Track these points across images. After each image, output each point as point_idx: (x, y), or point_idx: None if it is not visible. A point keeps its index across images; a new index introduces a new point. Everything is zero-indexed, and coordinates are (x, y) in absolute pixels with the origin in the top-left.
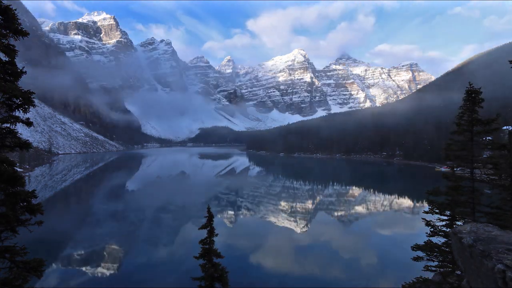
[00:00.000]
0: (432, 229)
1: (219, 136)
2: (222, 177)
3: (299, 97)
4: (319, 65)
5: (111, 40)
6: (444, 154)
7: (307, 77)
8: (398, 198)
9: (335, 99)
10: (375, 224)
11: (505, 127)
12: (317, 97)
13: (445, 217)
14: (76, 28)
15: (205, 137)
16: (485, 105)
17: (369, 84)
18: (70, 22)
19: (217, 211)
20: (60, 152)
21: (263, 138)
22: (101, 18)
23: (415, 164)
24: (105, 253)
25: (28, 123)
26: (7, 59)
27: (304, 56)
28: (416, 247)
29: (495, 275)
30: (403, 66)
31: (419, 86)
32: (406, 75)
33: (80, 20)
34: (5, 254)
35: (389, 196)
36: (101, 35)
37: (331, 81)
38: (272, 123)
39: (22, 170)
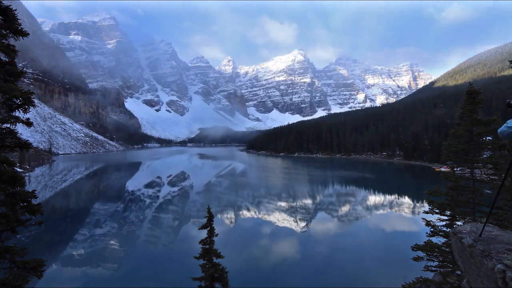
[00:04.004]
0: (432, 229)
1: (219, 136)
2: (222, 177)
3: (299, 97)
4: (319, 65)
5: (111, 40)
6: (444, 154)
7: (307, 77)
8: (398, 198)
9: (335, 99)
10: (375, 224)
11: None
12: (317, 97)
13: (445, 217)
14: (76, 28)
15: (205, 137)
16: (485, 104)
17: (369, 84)
18: (70, 22)
19: (217, 211)
20: (60, 152)
21: (263, 138)
22: (101, 18)
23: (415, 164)
24: (105, 253)
25: (28, 123)
26: (7, 59)
27: (304, 56)
28: (416, 247)
29: (495, 275)
30: (403, 66)
31: (419, 86)
32: (406, 75)
33: (80, 20)
34: (5, 254)
35: (389, 196)
36: (101, 35)
37: (331, 81)
38: (272, 123)
39: (22, 170)
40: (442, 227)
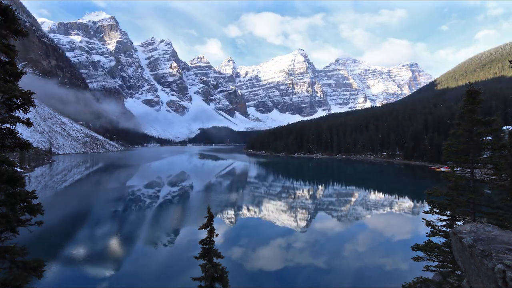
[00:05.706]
0: (432, 229)
1: (219, 136)
2: (222, 177)
3: (299, 97)
4: (319, 65)
5: (111, 40)
6: (444, 154)
7: (307, 77)
8: (398, 198)
9: (335, 99)
10: (375, 224)
11: (505, 127)
12: (317, 97)
13: (445, 217)
14: (76, 28)
15: (205, 137)
16: (485, 104)
17: (369, 84)
18: (70, 23)
19: (217, 211)
20: (60, 152)
21: (263, 138)
22: (101, 19)
23: (415, 164)
24: (105, 253)
25: (28, 123)
26: (7, 60)
27: (304, 56)
28: (416, 247)
29: (495, 275)
30: (403, 66)
31: (419, 86)
32: (406, 75)
33: (80, 20)
34: (5, 254)
35: (389, 196)
36: (101, 36)
37: (331, 81)
38: (272, 123)
39: (22, 170)
40: (442, 227)
